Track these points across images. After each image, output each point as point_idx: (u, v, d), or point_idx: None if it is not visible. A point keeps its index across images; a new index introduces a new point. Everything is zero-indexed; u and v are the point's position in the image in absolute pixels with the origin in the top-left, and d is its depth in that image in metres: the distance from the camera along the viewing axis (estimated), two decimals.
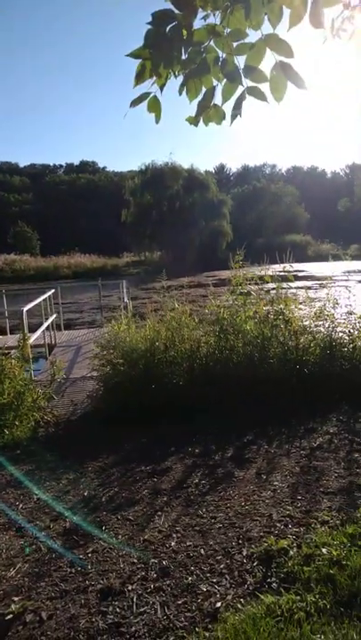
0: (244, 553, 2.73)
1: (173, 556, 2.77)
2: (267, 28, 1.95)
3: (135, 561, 2.76)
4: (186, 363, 5.63)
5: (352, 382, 5.43)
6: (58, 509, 3.43)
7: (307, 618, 2.14)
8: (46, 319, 8.93)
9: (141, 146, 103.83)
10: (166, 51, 1.92)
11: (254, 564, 2.62)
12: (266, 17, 1.93)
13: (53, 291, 10.30)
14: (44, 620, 2.33)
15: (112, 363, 5.59)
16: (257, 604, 2.27)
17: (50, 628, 2.28)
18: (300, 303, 6.46)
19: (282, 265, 6.51)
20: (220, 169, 69.02)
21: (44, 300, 9.03)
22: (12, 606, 2.42)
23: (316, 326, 6.06)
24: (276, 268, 6.67)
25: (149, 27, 1.88)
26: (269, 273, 6.57)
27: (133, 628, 2.23)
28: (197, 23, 1.99)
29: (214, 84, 2.09)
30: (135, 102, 2.14)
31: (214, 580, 2.52)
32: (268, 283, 6.51)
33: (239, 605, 2.30)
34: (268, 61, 1.97)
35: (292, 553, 2.65)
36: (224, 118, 2.14)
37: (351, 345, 5.83)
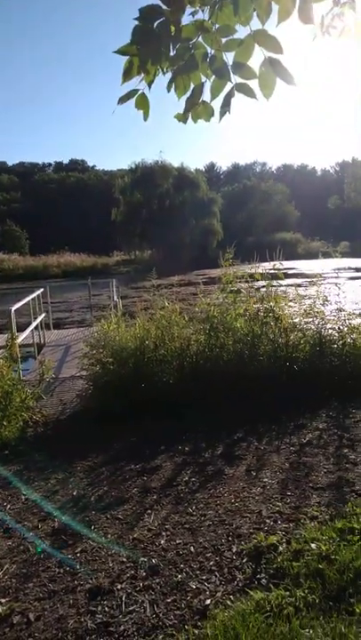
0: (234, 550, 2.74)
1: (163, 554, 2.76)
2: (256, 24, 1.95)
3: (124, 560, 2.75)
4: (176, 361, 5.63)
5: (341, 378, 5.47)
6: (46, 509, 3.41)
7: (296, 613, 2.14)
8: (35, 318, 8.86)
9: (131, 144, 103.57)
10: (154, 47, 1.90)
11: (244, 560, 2.63)
12: (255, 13, 1.93)
13: (42, 290, 10.23)
14: (32, 621, 2.31)
15: (101, 362, 5.57)
16: (246, 601, 2.27)
17: (37, 629, 2.26)
18: (291, 300, 6.49)
19: (272, 263, 6.53)
20: (211, 167, 69.10)
21: (32, 299, 8.96)
22: None
23: (305, 323, 6.10)
24: (266, 266, 6.69)
25: (137, 23, 1.87)
26: (259, 271, 6.58)
27: (122, 627, 2.22)
28: (186, 19, 1.98)
29: (203, 80, 2.08)
30: (123, 99, 2.13)
31: (204, 578, 2.53)
32: (258, 280, 6.52)
33: (229, 602, 2.31)
34: (257, 58, 1.97)
35: (281, 549, 2.66)
36: (213, 115, 2.13)
37: (341, 342, 5.87)
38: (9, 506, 3.52)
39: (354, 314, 6.44)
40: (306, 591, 2.27)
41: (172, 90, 2.13)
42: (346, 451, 3.97)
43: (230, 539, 2.86)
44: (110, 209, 39.47)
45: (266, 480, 3.56)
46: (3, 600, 2.47)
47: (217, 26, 1.95)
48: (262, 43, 1.90)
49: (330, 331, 5.99)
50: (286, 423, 4.68)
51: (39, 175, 65.03)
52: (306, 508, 3.10)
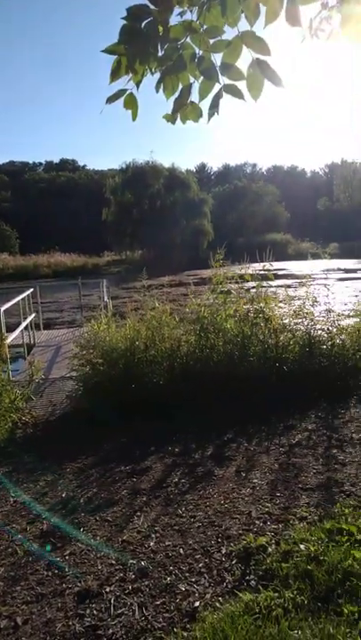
0: (223, 551, 2.73)
1: (152, 557, 2.75)
2: (244, 25, 1.95)
3: (113, 562, 2.73)
4: (166, 362, 5.62)
5: (330, 379, 5.50)
6: (35, 511, 3.39)
7: (285, 614, 2.15)
8: (25, 318, 8.79)
9: (122, 144, 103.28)
10: (142, 47, 1.90)
11: (233, 562, 2.63)
12: (243, 14, 1.93)
13: (32, 290, 10.15)
14: (19, 625, 2.29)
15: (92, 362, 5.54)
16: (235, 602, 2.27)
17: (25, 633, 2.24)
18: (281, 301, 6.51)
19: (262, 264, 6.55)
20: (201, 168, 69.16)
21: (22, 299, 8.89)
22: None
23: (295, 324, 6.12)
24: (256, 267, 6.70)
25: (124, 22, 1.86)
26: (250, 272, 6.60)
27: (111, 631, 2.20)
28: (174, 19, 1.98)
29: (191, 81, 2.07)
30: (111, 99, 2.11)
31: (193, 580, 2.52)
32: (248, 281, 6.54)
33: (218, 604, 2.30)
34: (245, 59, 1.97)
35: (270, 550, 2.66)
36: (201, 116, 2.12)
37: (330, 342, 5.90)
38: None
39: (343, 315, 6.49)
40: (295, 592, 2.28)
41: (162, 90, 2.14)
42: (335, 451, 3.99)
43: (220, 540, 2.86)
44: (101, 209, 39.29)
45: (255, 481, 3.57)
46: None
47: (205, 27, 1.95)
48: (250, 44, 1.91)
49: (319, 332, 6.02)
50: (276, 424, 4.69)
51: (29, 174, 64.60)
52: (295, 509, 3.11)
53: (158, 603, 2.37)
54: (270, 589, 2.33)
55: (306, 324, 6.08)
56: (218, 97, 2.06)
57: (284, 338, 5.91)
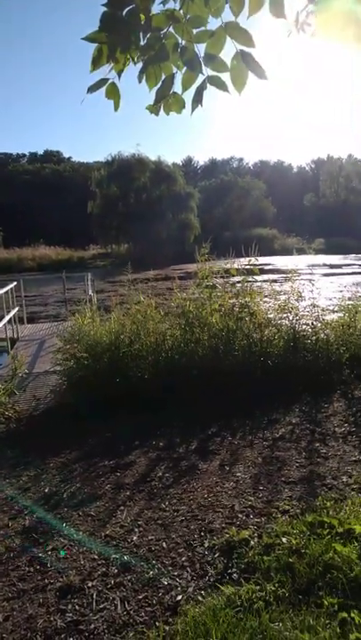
0: (206, 545, 2.74)
1: (135, 551, 2.75)
2: (228, 16, 1.92)
3: (96, 557, 2.72)
4: (151, 356, 5.60)
5: (314, 373, 5.54)
6: (17, 507, 3.35)
7: (266, 607, 2.16)
8: (8, 312, 8.67)
9: (107, 136, 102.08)
10: (123, 35, 1.86)
11: (216, 555, 2.64)
12: (227, 4, 1.90)
13: (15, 283, 10.02)
14: (0, 621, 2.27)
15: (76, 357, 5.50)
16: (217, 596, 2.28)
17: (5, 630, 2.22)
18: (266, 296, 6.54)
19: (248, 258, 6.56)
20: (188, 162, 68.87)
21: (5, 292, 8.76)
22: None
23: (280, 319, 6.15)
24: (242, 262, 6.71)
25: (105, 9, 1.81)
26: (235, 266, 6.60)
27: (92, 626, 2.20)
28: (156, 8, 1.94)
29: (174, 71, 2.04)
30: (93, 88, 2.07)
31: (176, 574, 2.52)
32: (234, 276, 6.54)
33: (200, 598, 2.31)
34: (229, 51, 1.95)
35: (252, 543, 2.68)
36: (184, 107, 2.10)
37: (314, 337, 5.94)
38: None
39: (327, 310, 6.54)
40: (276, 585, 2.30)
41: (144, 81, 2.10)
42: (318, 445, 4.03)
43: (203, 534, 2.86)
44: (86, 202, 38.93)
45: (239, 475, 3.58)
46: None
47: (188, 16, 1.92)
48: (234, 35, 1.88)
49: (304, 326, 6.06)
50: (260, 418, 4.72)
51: (13, 166, 63.50)
52: (278, 502, 3.13)
53: (140, 597, 2.37)
54: (252, 582, 2.35)
55: (291, 318, 6.11)
56: (201, 88, 2.04)
57: (269, 332, 5.93)
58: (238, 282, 6.44)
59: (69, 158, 69.66)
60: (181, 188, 40.44)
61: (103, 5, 1.78)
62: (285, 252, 31.52)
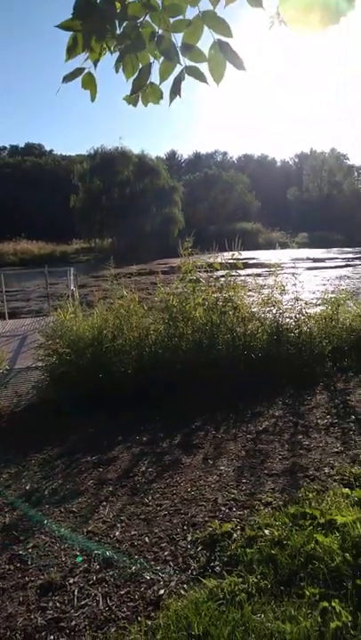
0: (189, 538, 2.74)
1: (117, 546, 2.74)
2: (206, 5, 1.89)
3: (78, 553, 2.70)
4: (134, 351, 5.57)
5: (297, 366, 5.59)
6: None
7: (248, 599, 2.17)
8: None
9: (91, 130, 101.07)
10: (98, 23, 1.81)
11: (198, 548, 2.64)
12: None
13: None
14: None
15: (58, 352, 5.44)
16: (200, 589, 2.28)
17: None
18: (250, 290, 6.55)
19: (231, 252, 6.55)
20: (172, 155, 68.59)
21: None
22: None
23: (264, 313, 6.17)
24: (226, 256, 6.70)
25: None
26: (219, 260, 6.59)
27: (74, 622, 2.18)
28: None
29: (151, 61, 2.01)
30: (68, 78, 2.02)
31: (158, 568, 2.52)
32: (218, 270, 6.53)
33: (182, 591, 2.31)
34: (208, 41, 1.91)
35: (235, 536, 2.69)
36: (162, 98, 2.06)
37: (297, 330, 5.98)
38: None
39: (310, 303, 6.59)
40: (258, 577, 2.31)
41: (121, 70, 2.06)
42: (300, 437, 4.06)
43: (185, 528, 2.86)
44: (69, 195, 38.52)
45: (222, 468, 3.59)
46: None
47: (165, 5, 1.88)
48: (211, 25, 1.86)
49: (287, 320, 6.09)
50: (244, 411, 4.73)
51: None
52: (260, 495, 3.15)
53: (123, 592, 2.36)
54: (235, 575, 2.35)
55: (274, 312, 6.14)
56: (180, 79, 2.01)
57: (253, 326, 5.95)
58: (222, 276, 6.44)
59: (51, 151, 68.78)
60: (165, 181, 40.30)
61: None
62: (270, 245, 31.69)
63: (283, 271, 6.65)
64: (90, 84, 2.03)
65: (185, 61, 1.97)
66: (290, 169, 66.61)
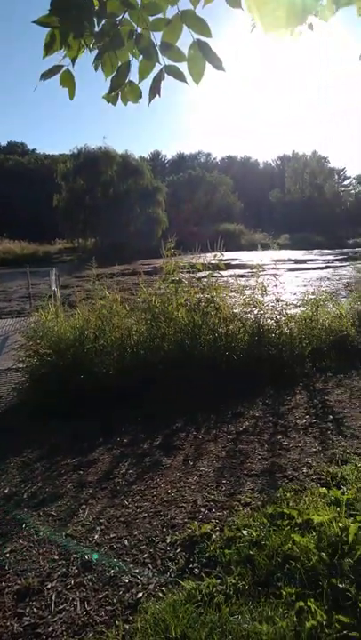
0: (168, 540, 2.73)
1: (97, 550, 2.71)
2: (186, 4, 1.89)
3: (56, 557, 2.67)
4: (116, 351, 5.53)
5: (277, 367, 5.62)
6: None
7: (226, 600, 2.17)
8: None
9: (74, 129, 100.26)
10: (75, 20, 1.79)
11: (177, 550, 2.63)
12: None
13: None
14: None
15: (39, 353, 5.37)
16: (178, 591, 2.27)
17: None
18: (232, 291, 6.57)
19: (213, 253, 6.57)
20: (156, 156, 68.60)
21: None
22: None
23: (245, 313, 6.20)
24: (208, 257, 6.71)
25: None
26: (201, 261, 6.59)
27: (51, 628, 2.15)
28: None
29: (130, 59, 1.99)
30: (46, 75, 2.00)
31: (137, 571, 2.50)
32: (200, 271, 6.54)
33: (161, 594, 2.30)
34: (187, 40, 1.91)
35: (214, 537, 2.69)
36: (141, 96, 2.05)
37: (278, 331, 6.02)
38: None
39: (291, 304, 6.64)
40: (236, 578, 2.31)
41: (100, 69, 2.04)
42: (280, 437, 4.09)
43: (165, 529, 2.85)
44: (52, 195, 38.15)
45: (203, 469, 3.59)
46: None
47: (143, 3, 1.87)
48: (191, 24, 1.85)
49: (268, 320, 6.13)
50: (225, 412, 4.74)
51: None
52: (240, 495, 3.15)
53: (101, 596, 2.33)
54: (213, 576, 2.35)
55: (256, 313, 6.17)
56: (159, 78, 2.00)
57: (234, 327, 5.97)
58: (204, 277, 6.45)
59: (34, 150, 68.03)
60: (149, 182, 40.22)
61: None
62: (252, 247, 31.83)
63: (264, 272, 6.69)
64: (68, 81, 2.01)
65: (165, 60, 1.97)
66: (272, 171, 67.21)
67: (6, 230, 38.78)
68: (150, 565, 2.53)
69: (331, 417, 4.46)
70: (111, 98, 2.13)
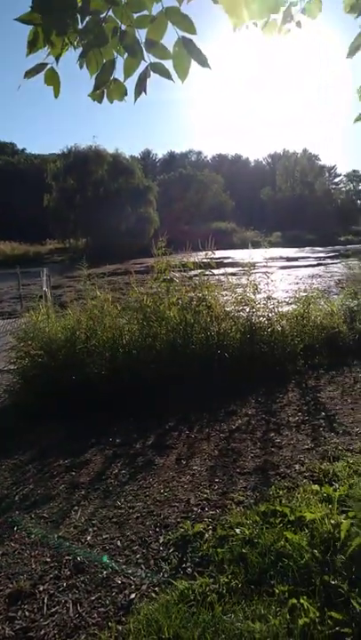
0: (161, 540, 2.72)
1: (89, 551, 2.69)
2: (170, 1, 1.87)
3: (48, 560, 2.65)
4: (108, 352, 5.51)
5: (270, 364, 5.63)
6: None
7: (219, 599, 2.16)
8: None
9: (64, 129, 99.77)
10: (58, 17, 1.77)
11: (170, 550, 2.62)
12: None
13: None
14: None
15: (30, 354, 5.34)
16: (171, 591, 2.27)
17: None
18: (225, 290, 6.57)
19: (205, 252, 6.56)
20: (146, 155, 68.48)
21: None
22: None
23: (237, 311, 6.20)
24: (200, 255, 6.70)
25: None
26: (192, 260, 6.58)
27: (43, 632, 2.13)
28: None
29: (115, 56, 1.98)
30: (30, 73, 1.98)
31: (130, 572, 2.49)
32: (192, 269, 6.53)
33: (153, 594, 2.29)
34: (173, 38, 1.90)
35: (207, 536, 2.68)
36: (126, 94, 2.04)
37: (270, 329, 6.03)
38: None
39: (283, 302, 6.65)
40: (229, 577, 2.30)
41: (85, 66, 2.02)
42: (272, 435, 4.09)
43: (158, 529, 2.84)
44: (42, 195, 37.95)
45: (195, 468, 3.58)
46: None
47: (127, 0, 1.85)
48: (175, 21, 1.84)
49: (260, 318, 6.13)
50: (217, 410, 4.74)
51: None
52: (232, 494, 3.15)
53: (93, 598, 2.32)
54: (206, 575, 2.35)
55: (247, 311, 6.17)
56: (145, 76, 1.99)
57: (226, 325, 5.97)
58: (196, 275, 6.44)
59: (24, 150, 67.59)
60: (140, 181, 40.15)
61: None
62: (244, 245, 31.89)
63: (256, 270, 6.70)
64: (52, 79, 1.99)
65: (150, 58, 1.96)
66: (263, 169, 67.38)
67: None
68: (143, 566, 2.52)
69: (323, 414, 4.47)
70: (96, 96, 2.11)
